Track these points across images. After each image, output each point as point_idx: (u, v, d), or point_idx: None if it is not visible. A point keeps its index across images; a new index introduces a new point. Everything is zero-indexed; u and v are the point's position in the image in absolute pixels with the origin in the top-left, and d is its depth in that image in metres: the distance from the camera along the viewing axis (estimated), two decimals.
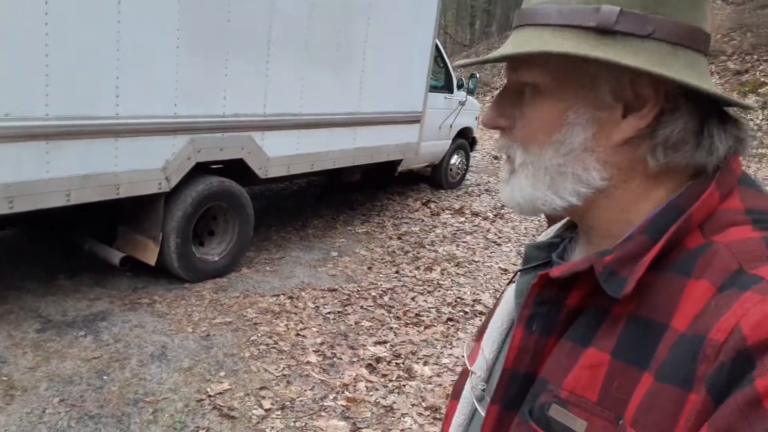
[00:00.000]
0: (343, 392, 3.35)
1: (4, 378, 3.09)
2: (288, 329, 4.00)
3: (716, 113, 0.63)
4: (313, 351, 3.75)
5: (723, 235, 0.58)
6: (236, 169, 4.77)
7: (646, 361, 0.55)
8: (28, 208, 3.39)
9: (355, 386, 3.42)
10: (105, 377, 3.22)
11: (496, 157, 11.24)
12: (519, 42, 0.64)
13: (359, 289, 4.85)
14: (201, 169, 4.46)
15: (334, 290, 4.75)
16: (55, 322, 3.74)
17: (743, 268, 0.53)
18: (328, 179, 7.50)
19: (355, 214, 7.01)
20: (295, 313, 4.25)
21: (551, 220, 0.87)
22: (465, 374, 0.88)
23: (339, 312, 4.37)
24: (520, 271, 0.80)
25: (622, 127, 0.62)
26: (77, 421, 2.84)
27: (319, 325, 4.12)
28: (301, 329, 4.02)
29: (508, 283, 0.84)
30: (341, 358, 3.71)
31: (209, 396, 3.15)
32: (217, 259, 4.75)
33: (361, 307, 4.52)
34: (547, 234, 0.84)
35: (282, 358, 3.62)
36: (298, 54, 4.92)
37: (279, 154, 4.99)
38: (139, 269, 4.52)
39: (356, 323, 4.22)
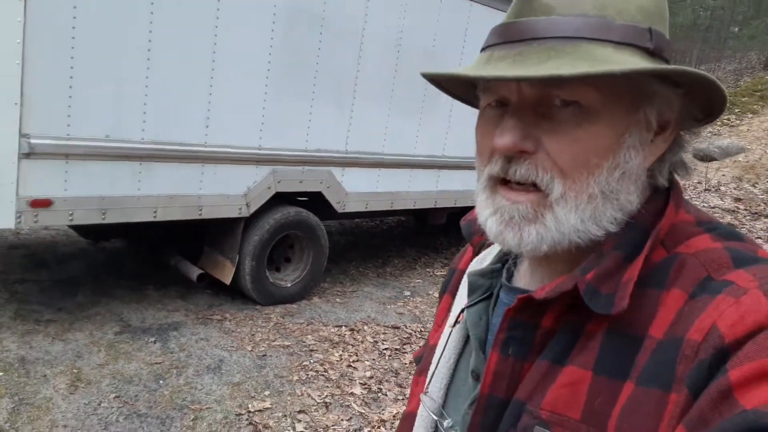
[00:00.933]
0: (379, 428, 3.33)
1: (75, 370, 3.42)
2: (341, 359, 4.07)
3: None
4: (360, 383, 3.78)
5: (686, 246, 0.60)
6: (317, 201, 5.01)
7: (627, 372, 0.56)
8: (119, 220, 3.78)
9: (393, 423, 3.39)
10: (161, 381, 3.46)
11: None
12: (582, 55, 0.57)
13: (423, 329, 4.82)
14: (284, 199, 4.74)
15: (397, 328, 4.76)
16: (133, 327, 4.09)
17: (711, 275, 0.56)
18: (414, 221, 7.58)
19: (437, 257, 7.01)
20: (353, 345, 4.31)
21: (476, 244, 0.84)
22: (408, 419, 0.86)
23: (396, 349, 4.37)
24: (468, 306, 0.76)
25: (652, 149, 0.63)
26: (126, 417, 3.07)
27: (373, 359, 4.15)
28: (353, 361, 4.07)
29: (454, 324, 0.79)
30: (386, 395, 3.70)
31: (249, 412, 3.27)
32: (289, 285, 4.96)
33: (420, 347, 4.48)
34: (481, 261, 0.82)
35: (327, 386, 3.68)
36: (383, 97, 5.12)
37: (358, 190, 5.17)
38: (219, 288, 4.84)
39: (410, 362, 4.19)
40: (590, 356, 0.58)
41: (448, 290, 0.90)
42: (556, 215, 0.60)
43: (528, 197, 0.61)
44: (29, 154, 3.33)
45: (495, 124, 0.63)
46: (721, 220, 0.65)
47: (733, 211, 9.98)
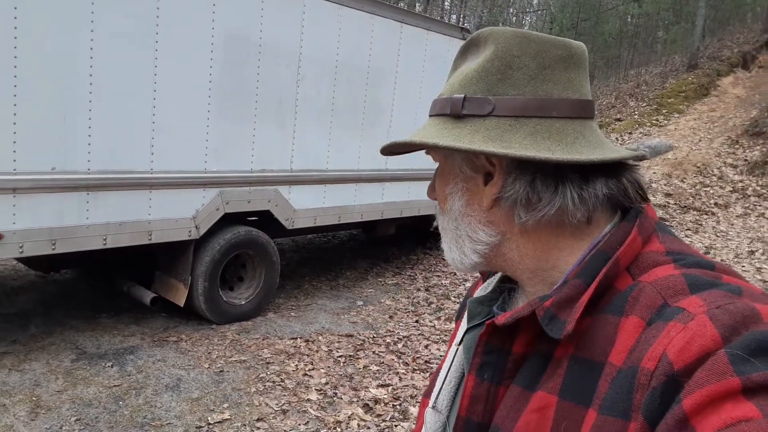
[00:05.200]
0: (335, 429, 3.51)
1: (34, 398, 3.48)
2: (297, 369, 4.23)
3: (577, 169, 0.66)
4: (316, 390, 3.95)
5: (648, 274, 0.63)
6: (267, 220, 5.18)
7: (590, 398, 0.59)
8: (69, 249, 3.87)
9: (348, 423, 3.58)
10: (120, 402, 3.56)
11: None
12: (418, 131, 0.75)
13: (375, 336, 5.03)
14: (234, 220, 4.90)
15: (351, 336, 4.96)
16: (89, 354, 4.16)
17: (666, 302, 0.58)
18: (364, 233, 7.81)
19: (388, 267, 7.25)
20: (308, 355, 4.48)
21: (484, 273, 0.92)
22: None
23: (350, 356, 4.56)
24: (467, 330, 0.81)
25: (484, 194, 0.72)
26: None
27: (328, 367, 4.33)
28: (309, 370, 4.24)
29: (460, 343, 0.83)
30: (341, 398, 3.89)
31: (209, 424, 3.41)
32: (243, 303, 5.09)
33: (374, 352, 4.69)
34: (485, 288, 0.87)
35: (285, 395, 3.84)
36: (324, 116, 5.36)
37: (305, 206, 5.37)
38: (173, 311, 4.93)
39: (364, 367, 4.39)
40: (557, 381, 0.62)
41: (460, 316, 0.95)
42: (442, 243, 0.79)
43: None
44: None
45: None
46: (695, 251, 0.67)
47: (664, 206, 10.59)
